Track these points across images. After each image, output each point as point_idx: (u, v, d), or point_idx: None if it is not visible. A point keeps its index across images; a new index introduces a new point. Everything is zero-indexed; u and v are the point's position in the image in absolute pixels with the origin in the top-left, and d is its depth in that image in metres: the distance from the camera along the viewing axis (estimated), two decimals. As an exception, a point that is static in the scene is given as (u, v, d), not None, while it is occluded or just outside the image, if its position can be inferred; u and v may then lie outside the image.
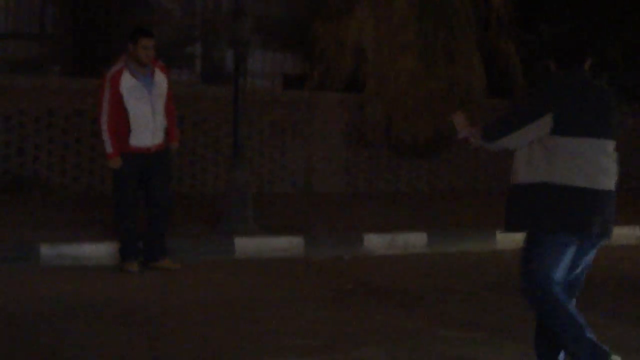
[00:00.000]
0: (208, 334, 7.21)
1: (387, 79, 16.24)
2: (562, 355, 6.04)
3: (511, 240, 12.63)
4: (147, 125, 9.48)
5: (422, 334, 7.43)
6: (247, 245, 11.22)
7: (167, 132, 9.75)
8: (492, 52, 17.04)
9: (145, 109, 9.44)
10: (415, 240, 12.27)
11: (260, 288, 9.26)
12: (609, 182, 5.88)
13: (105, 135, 9.38)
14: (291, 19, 17.81)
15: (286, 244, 11.51)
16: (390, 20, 16.24)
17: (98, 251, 10.47)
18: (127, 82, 9.37)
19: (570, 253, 5.86)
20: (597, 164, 5.84)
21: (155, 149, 9.62)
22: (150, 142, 9.56)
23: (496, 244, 12.56)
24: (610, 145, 5.91)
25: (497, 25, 16.87)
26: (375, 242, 12.03)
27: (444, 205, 15.58)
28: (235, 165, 11.67)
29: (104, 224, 11.59)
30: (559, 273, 5.84)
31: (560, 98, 5.86)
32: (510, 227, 5.96)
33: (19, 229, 11.12)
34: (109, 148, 9.41)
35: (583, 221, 5.81)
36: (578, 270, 6.01)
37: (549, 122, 5.79)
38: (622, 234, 12.43)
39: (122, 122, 9.40)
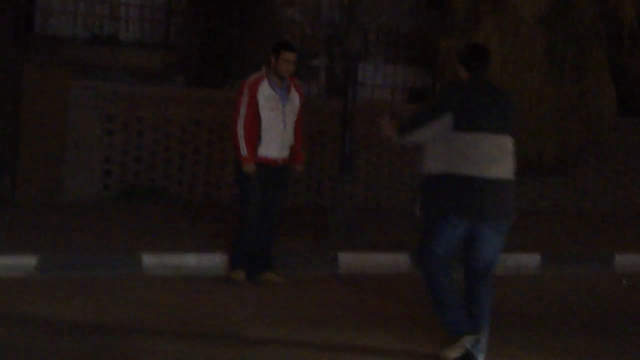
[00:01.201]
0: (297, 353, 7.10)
1: (513, 95, 15.79)
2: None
3: (631, 263, 12.28)
4: (277, 137, 9.54)
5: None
6: (351, 260, 11.03)
7: (292, 151, 9.77)
8: (624, 69, 16.48)
9: (277, 121, 9.52)
10: (528, 262, 11.88)
11: (358, 305, 9.10)
12: (501, 172, 6.76)
13: (242, 140, 9.42)
14: (417, 33, 17.56)
15: (391, 261, 11.27)
16: (516, 35, 15.85)
17: (201, 261, 10.45)
18: (265, 92, 9.46)
19: (457, 234, 6.78)
20: (490, 156, 6.70)
21: (281, 162, 9.66)
22: (278, 155, 9.61)
23: (614, 268, 12.10)
24: (504, 139, 6.83)
25: (629, 41, 16.29)
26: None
27: (565, 225, 15.07)
28: (343, 179, 11.51)
29: (213, 234, 11.59)
30: (442, 248, 6.82)
31: (460, 99, 6.83)
32: (420, 212, 7.00)
33: (126, 237, 11.20)
34: (244, 151, 9.42)
35: (472, 205, 6.71)
36: (484, 256, 6.93)
37: (449, 120, 6.73)
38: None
39: (253, 131, 9.46)
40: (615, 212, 17.07)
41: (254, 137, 9.46)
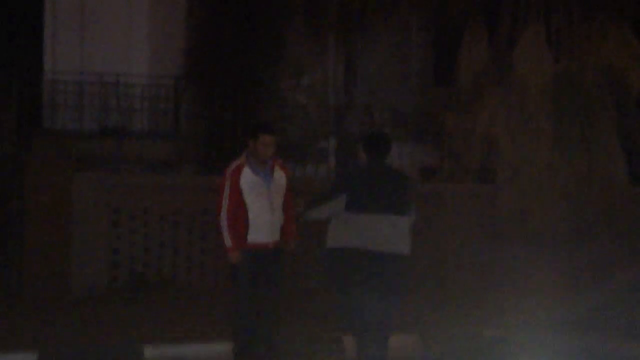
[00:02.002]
0: None
1: (521, 169, 15.73)
2: None
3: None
4: (266, 221, 9.40)
5: None
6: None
7: (283, 230, 9.63)
8: (633, 138, 16.34)
9: (264, 205, 9.37)
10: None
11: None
12: (393, 247, 7.59)
13: (225, 230, 9.34)
14: (424, 111, 17.56)
15: (400, 343, 11.06)
16: (522, 108, 15.79)
17: (204, 352, 10.31)
18: (247, 178, 9.33)
19: (365, 304, 7.58)
20: (380, 233, 7.54)
21: (273, 245, 9.50)
22: (269, 239, 9.46)
23: None
24: (394, 219, 7.61)
25: (637, 109, 16.19)
26: (495, 338, 11.48)
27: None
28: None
29: (220, 322, 11.46)
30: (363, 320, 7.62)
31: (352, 182, 7.73)
32: (326, 286, 8.01)
33: (130, 329, 11.09)
34: (228, 242, 9.35)
35: (364, 275, 7.56)
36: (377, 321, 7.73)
37: (343, 200, 7.61)
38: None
39: (241, 218, 9.34)
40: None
41: (242, 224, 9.36)
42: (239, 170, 9.37)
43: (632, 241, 16.83)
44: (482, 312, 13.05)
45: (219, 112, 16.22)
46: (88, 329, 11.08)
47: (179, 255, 14.26)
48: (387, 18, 17.19)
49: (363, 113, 11.23)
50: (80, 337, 10.55)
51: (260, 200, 9.35)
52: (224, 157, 16.02)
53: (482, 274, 15.80)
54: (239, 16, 16.74)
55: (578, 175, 15.87)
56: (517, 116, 15.81)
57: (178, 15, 17.01)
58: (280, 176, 9.53)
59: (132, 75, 16.88)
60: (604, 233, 16.65)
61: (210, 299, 13.54)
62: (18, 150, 13.65)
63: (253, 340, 9.56)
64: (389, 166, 7.99)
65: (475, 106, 16.03)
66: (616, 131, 16.11)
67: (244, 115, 15.95)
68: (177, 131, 16.83)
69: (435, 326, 11.92)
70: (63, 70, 16.59)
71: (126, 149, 16.27)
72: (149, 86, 16.92)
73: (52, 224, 13.34)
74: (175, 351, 10.19)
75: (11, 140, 13.80)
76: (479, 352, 10.86)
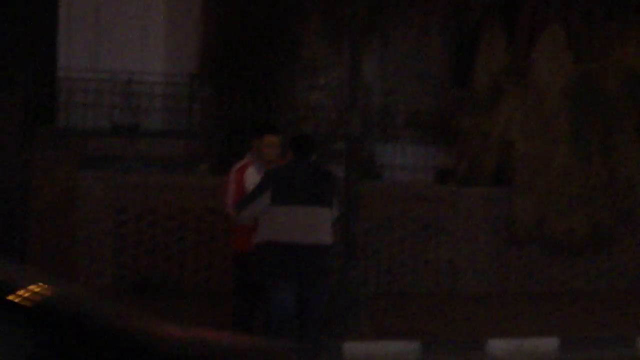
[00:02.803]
0: None
1: (538, 173, 15.44)
2: None
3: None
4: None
5: None
6: (356, 350, 10.63)
7: None
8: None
9: None
10: (545, 346, 11.37)
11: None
12: (315, 238, 8.12)
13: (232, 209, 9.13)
14: (441, 113, 17.26)
15: (401, 349, 10.85)
16: (540, 110, 15.50)
17: None
18: (252, 178, 9.11)
19: (291, 293, 8.06)
20: (300, 224, 8.07)
21: None
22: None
23: (637, 351, 11.53)
24: (315, 210, 8.16)
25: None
26: (499, 348, 11.21)
27: (589, 306, 14.47)
28: (347, 264, 11.14)
29: (219, 324, 11.28)
30: (279, 310, 8.10)
31: (277, 178, 8.26)
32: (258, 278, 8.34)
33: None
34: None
35: (290, 267, 8.05)
36: (312, 309, 8.20)
37: (268, 196, 8.14)
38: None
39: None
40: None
41: (244, 228, 9.04)
42: (243, 169, 9.26)
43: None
44: (490, 320, 12.78)
45: (234, 111, 15.98)
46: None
47: (185, 257, 14.09)
48: (405, 17, 16.93)
49: (357, 113, 10.97)
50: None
51: None
52: (238, 157, 15.86)
53: (495, 279, 15.52)
54: (254, 15, 16.54)
55: (597, 180, 15.55)
56: (535, 119, 15.55)
57: (194, 13, 16.80)
58: None
59: (146, 74, 16.71)
60: (625, 239, 16.33)
61: (217, 300, 13.37)
62: (25, 149, 13.52)
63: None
64: (313, 164, 8.47)
65: (492, 108, 15.77)
66: (636, 135, 15.78)
67: (259, 114, 15.72)
68: (192, 130, 16.63)
69: (439, 333, 11.67)
70: (77, 68, 16.46)
71: (140, 147, 16.09)
72: (164, 84, 16.73)
73: (57, 224, 13.23)
74: None
75: (19, 139, 13.68)
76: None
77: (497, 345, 11.25)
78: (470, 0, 16.35)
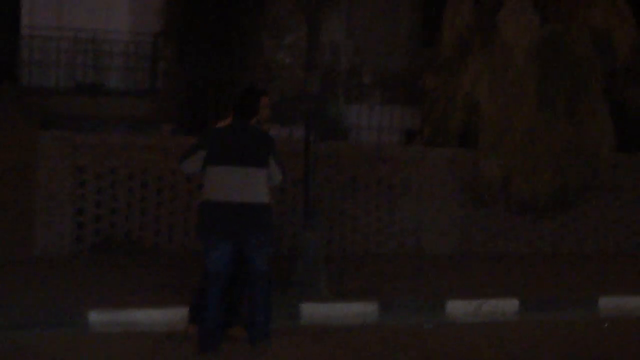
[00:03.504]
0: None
1: (504, 134, 15.33)
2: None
3: (615, 306, 11.68)
4: None
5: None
6: (314, 311, 10.54)
7: None
8: (621, 103, 15.91)
9: None
10: (505, 307, 11.32)
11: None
12: (249, 197, 8.26)
13: None
14: (409, 73, 17.13)
15: (359, 311, 10.77)
16: (506, 72, 15.35)
17: (151, 317, 10.03)
18: None
19: (225, 251, 8.25)
20: (233, 184, 8.24)
21: None
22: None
23: (599, 312, 11.50)
24: (250, 170, 8.30)
25: (625, 74, 15.74)
26: (459, 309, 11.15)
27: (553, 267, 14.42)
28: (306, 226, 11.04)
29: (175, 286, 11.18)
30: (214, 267, 8.26)
31: (212, 138, 8.31)
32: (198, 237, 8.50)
33: (83, 292, 10.80)
34: None
35: (224, 225, 8.24)
36: (253, 264, 8.33)
37: (203, 156, 8.27)
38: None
39: None
40: (617, 251, 16.45)
41: None
42: None
43: (618, 209, 16.47)
44: (452, 281, 12.71)
45: (199, 70, 15.79)
46: (38, 292, 10.78)
47: (147, 217, 13.96)
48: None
49: (315, 73, 10.79)
50: (27, 300, 10.26)
51: None
52: (204, 117, 15.70)
53: (460, 241, 15.46)
54: (220, -28, 16.33)
55: (563, 140, 15.46)
56: (501, 80, 15.41)
57: (158, -30, 16.59)
58: None
59: (110, 32, 16.51)
60: (590, 201, 16.29)
61: (177, 261, 13.27)
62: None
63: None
64: (251, 126, 8.49)
65: (459, 69, 15.62)
66: (603, 95, 15.68)
67: (225, 74, 15.54)
68: (155, 89, 16.43)
69: (400, 294, 11.57)
70: (40, 26, 16.23)
71: (103, 107, 15.93)
72: (127, 43, 16.54)
73: (15, 183, 13.05)
74: (122, 317, 9.90)
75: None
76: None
77: (456, 306, 11.18)
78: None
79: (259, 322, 8.45)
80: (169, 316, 10.06)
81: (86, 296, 10.61)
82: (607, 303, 11.73)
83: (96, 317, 9.86)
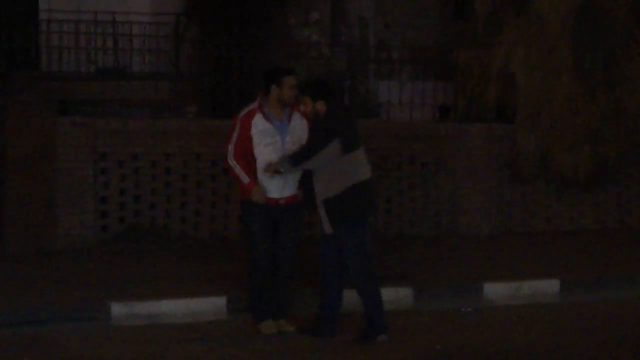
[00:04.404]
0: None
1: (541, 107, 14.77)
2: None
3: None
4: (275, 175, 8.51)
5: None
6: (345, 296, 10.03)
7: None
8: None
9: (274, 157, 8.49)
10: (545, 288, 10.80)
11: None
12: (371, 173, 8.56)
13: (238, 169, 8.53)
14: (441, 47, 16.58)
15: (392, 296, 10.25)
16: (542, 42, 14.79)
17: (175, 308, 9.63)
18: (259, 125, 8.48)
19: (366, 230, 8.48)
20: (366, 164, 8.44)
21: (285, 202, 8.61)
22: (279, 194, 8.57)
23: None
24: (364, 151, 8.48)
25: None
26: (496, 292, 10.65)
27: (595, 245, 13.85)
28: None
29: (208, 276, 10.80)
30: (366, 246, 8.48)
31: (340, 126, 8.28)
32: (335, 229, 8.28)
33: (110, 284, 10.42)
34: (244, 178, 8.51)
35: (373, 202, 8.69)
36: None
37: (338, 144, 8.19)
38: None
39: (249, 169, 8.53)
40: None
41: (250, 176, 8.52)
42: (250, 115, 8.50)
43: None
44: (490, 262, 12.21)
45: (223, 51, 15.29)
46: (61, 284, 10.41)
47: (172, 204, 13.51)
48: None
49: (341, 50, 10.30)
50: (49, 293, 9.90)
51: (270, 152, 8.49)
52: (229, 99, 15.23)
53: (498, 219, 14.89)
54: (243, -52, 15.87)
55: (602, 112, 14.89)
56: (537, 51, 14.87)
57: (180, -52, 16.17)
58: (299, 125, 8.66)
59: (130, 13, 16.08)
60: (633, 174, 15.71)
61: (207, 249, 12.87)
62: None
63: (267, 298, 8.70)
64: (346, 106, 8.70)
65: (492, 41, 15.07)
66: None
67: (251, 54, 15.04)
68: (178, 72, 15.93)
69: (436, 277, 11.10)
70: (59, 10, 15.83)
71: (124, 91, 15.45)
72: (149, 24, 16.08)
73: (35, 172, 12.63)
74: (142, 308, 9.51)
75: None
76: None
77: (493, 289, 10.71)
78: None
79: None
80: (192, 307, 9.69)
81: (109, 287, 10.26)
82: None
83: (118, 309, 9.47)
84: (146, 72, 16.00)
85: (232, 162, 8.53)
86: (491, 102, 14.99)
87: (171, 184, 13.50)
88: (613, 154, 15.07)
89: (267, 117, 8.46)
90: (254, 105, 8.58)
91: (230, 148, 8.51)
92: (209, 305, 9.76)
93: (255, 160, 8.50)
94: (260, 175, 8.50)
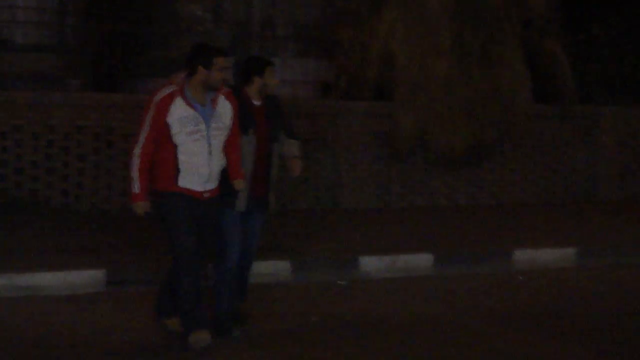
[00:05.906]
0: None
1: (419, 85, 15.15)
2: None
3: (528, 259, 11.61)
4: (201, 167, 7.48)
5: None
6: (224, 270, 10.25)
7: (230, 169, 7.73)
8: (537, 54, 15.80)
9: (199, 147, 7.45)
10: (419, 262, 11.17)
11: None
12: None
13: (135, 172, 7.41)
14: (324, 25, 16.80)
15: (271, 269, 10.52)
16: (421, 22, 15.15)
17: (54, 281, 9.70)
18: (179, 112, 7.36)
19: None
20: None
21: (210, 195, 7.60)
22: (203, 187, 7.53)
23: (513, 265, 11.41)
24: None
25: (541, 24, 15.62)
26: (371, 265, 10.98)
27: (469, 220, 14.32)
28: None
29: (88, 249, 10.88)
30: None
31: None
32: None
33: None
34: (135, 188, 7.40)
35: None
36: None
37: None
38: None
39: (168, 159, 7.44)
40: (535, 202, 16.40)
41: (170, 166, 7.43)
42: (168, 100, 7.36)
43: (535, 160, 16.41)
44: (367, 236, 12.54)
45: (107, 24, 15.29)
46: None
47: (54, 177, 13.51)
48: None
49: (223, 27, 10.40)
50: None
51: (194, 141, 7.42)
52: (113, 73, 15.25)
53: (377, 195, 15.27)
54: None
55: (480, 92, 15.34)
56: (416, 30, 15.20)
57: None
58: (225, 110, 7.54)
59: (14, -15, 15.94)
60: (507, 152, 16.22)
61: (87, 222, 12.91)
62: None
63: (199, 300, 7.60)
64: None
65: (373, 19, 15.36)
66: (520, 48, 15.56)
67: (138, 28, 15.07)
68: (63, 45, 15.85)
69: (313, 251, 11.37)
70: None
71: (7, 63, 15.35)
72: (33, -4, 15.95)
73: None
74: (23, 280, 9.55)
75: None
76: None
77: (369, 262, 11.02)
78: None
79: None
80: (71, 279, 9.77)
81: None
82: (521, 255, 11.67)
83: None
84: (30, 45, 15.86)
85: (133, 161, 7.41)
86: (371, 81, 15.31)
87: (53, 156, 13.50)
88: (489, 132, 15.53)
89: (189, 102, 7.37)
90: (173, 87, 7.41)
91: (141, 139, 7.41)
92: (88, 278, 9.83)
93: (176, 152, 7.41)
94: (183, 165, 7.43)
